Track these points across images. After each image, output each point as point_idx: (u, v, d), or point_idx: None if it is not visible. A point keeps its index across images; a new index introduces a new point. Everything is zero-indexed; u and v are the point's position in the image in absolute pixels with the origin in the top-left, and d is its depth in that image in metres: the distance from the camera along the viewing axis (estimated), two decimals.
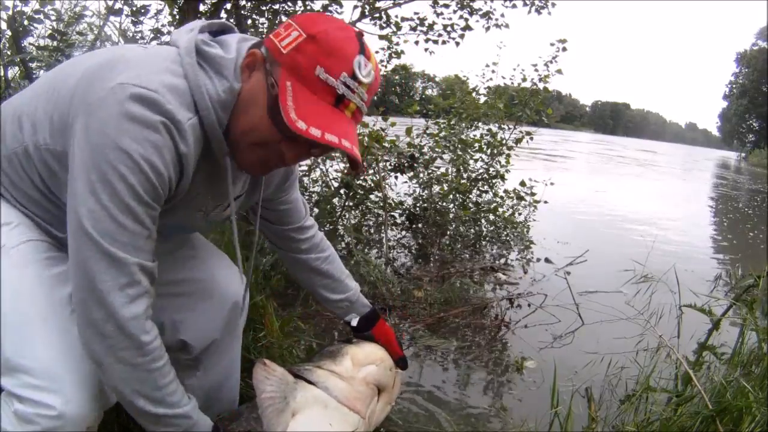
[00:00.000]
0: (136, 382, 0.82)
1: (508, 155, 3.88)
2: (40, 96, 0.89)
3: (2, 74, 2.20)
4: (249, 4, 3.49)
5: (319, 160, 3.32)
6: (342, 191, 3.12)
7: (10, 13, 2.09)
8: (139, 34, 3.08)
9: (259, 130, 0.86)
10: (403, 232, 3.88)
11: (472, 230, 3.91)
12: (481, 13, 3.91)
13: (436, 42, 3.90)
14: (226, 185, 0.94)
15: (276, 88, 0.82)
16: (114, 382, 0.82)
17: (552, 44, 3.74)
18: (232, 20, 3.47)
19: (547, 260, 3.87)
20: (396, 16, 3.79)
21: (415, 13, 3.84)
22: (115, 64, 0.83)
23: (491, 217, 3.92)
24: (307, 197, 3.34)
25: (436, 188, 3.70)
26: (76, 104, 0.81)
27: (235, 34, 0.94)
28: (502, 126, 3.91)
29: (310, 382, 1.12)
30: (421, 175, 3.63)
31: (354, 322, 1.36)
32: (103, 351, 0.80)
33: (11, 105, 0.95)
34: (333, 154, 3.45)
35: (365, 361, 1.25)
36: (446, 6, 3.82)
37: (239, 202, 1.08)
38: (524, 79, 3.85)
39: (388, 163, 3.33)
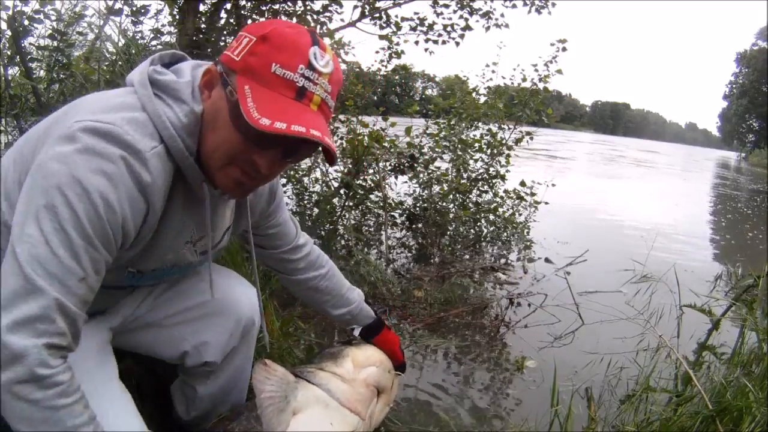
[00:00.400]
0: (38, 422, 0.71)
1: (508, 155, 3.88)
2: (12, 170, 0.87)
3: (2, 74, 2.20)
4: (249, 4, 3.48)
5: (319, 160, 3.32)
6: (342, 191, 3.12)
7: (10, 13, 2.09)
8: (139, 34, 3.08)
9: (227, 143, 0.83)
10: (403, 232, 3.88)
11: (472, 230, 3.91)
12: (481, 13, 3.91)
13: (436, 42, 3.90)
14: (203, 208, 0.92)
15: (235, 95, 0.79)
16: (16, 425, 0.71)
17: (552, 44, 3.74)
18: (232, 20, 3.47)
19: (547, 260, 3.87)
20: (396, 16, 3.79)
21: (415, 13, 3.84)
22: (69, 111, 0.83)
23: (491, 217, 3.93)
24: (307, 197, 3.34)
25: (436, 188, 3.70)
26: (35, 159, 0.79)
27: (189, 61, 0.93)
28: (502, 126, 3.91)
29: (312, 384, 1.13)
30: (421, 175, 3.63)
31: (356, 332, 1.37)
32: (7, 385, 0.70)
33: None
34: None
35: (366, 362, 1.25)
36: (446, 6, 3.82)
37: (228, 233, 1.08)
38: (524, 79, 3.85)
39: (388, 163, 3.33)
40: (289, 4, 3.46)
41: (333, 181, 3.38)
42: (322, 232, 2.86)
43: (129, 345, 1.17)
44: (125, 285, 1.01)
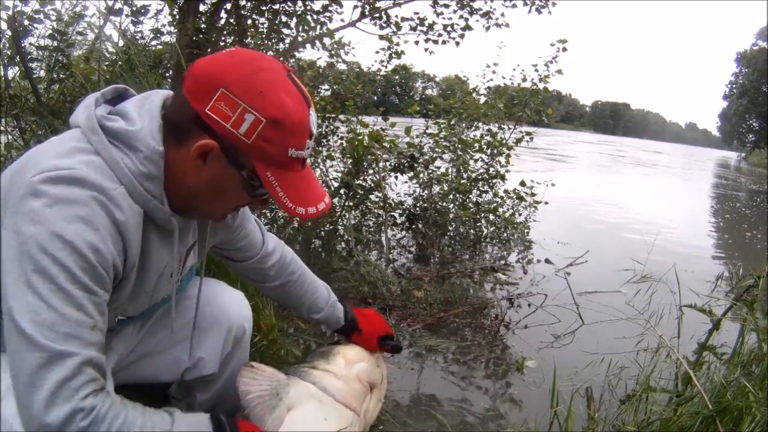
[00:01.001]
0: None
1: (508, 155, 3.88)
2: None
3: (2, 74, 2.20)
4: (249, 4, 3.48)
5: (319, 160, 3.32)
6: (342, 191, 3.12)
7: (10, 13, 2.09)
8: (139, 34, 3.08)
9: (236, 202, 0.91)
10: (403, 232, 3.88)
11: (472, 230, 3.91)
12: (481, 12, 3.91)
13: (436, 42, 3.90)
14: (172, 238, 0.93)
15: (258, 181, 0.84)
16: None
17: (552, 44, 3.75)
18: (231, 20, 3.47)
19: (547, 261, 3.87)
20: (396, 16, 3.79)
21: (415, 13, 3.84)
22: (23, 166, 0.79)
23: (491, 217, 3.93)
24: None
25: (436, 188, 3.70)
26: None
27: (131, 99, 0.89)
28: (502, 126, 3.91)
29: (305, 381, 1.13)
30: (421, 175, 3.63)
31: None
32: None
33: None
34: (333, 154, 3.46)
35: (356, 358, 1.27)
36: (446, 6, 3.82)
37: (194, 249, 1.08)
38: (524, 79, 3.85)
39: (388, 163, 3.33)
40: (289, 4, 3.46)
41: (333, 181, 3.38)
42: (322, 232, 2.86)
43: (129, 379, 1.16)
44: (115, 328, 1.02)
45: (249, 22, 3.52)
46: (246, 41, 3.41)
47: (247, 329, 1.27)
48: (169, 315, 1.09)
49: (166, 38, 3.15)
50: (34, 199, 0.73)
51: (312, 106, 0.85)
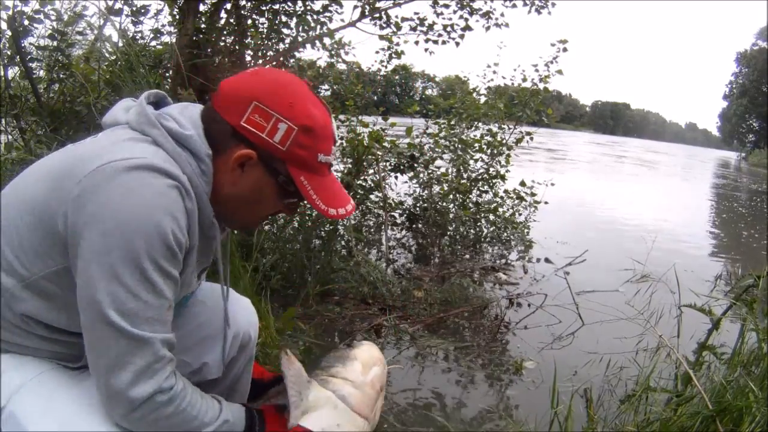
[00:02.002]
0: (178, 426, 0.85)
1: (508, 155, 3.88)
2: (3, 243, 0.82)
3: (2, 74, 2.20)
4: (249, 4, 3.48)
5: None
6: None
7: (10, 13, 2.09)
8: (139, 34, 3.08)
9: (270, 210, 0.96)
10: (403, 232, 3.88)
11: (472, 230, 3.91)
12: (481, 13, 3.90)
13: (436, 42, 3.90)
14: (213, 242, 0.97)
15: (293, 186, 0.89)
16: None
17: (552, 44, 3.74)
18: (231, 20, 3.47)
19: (547, 260, 3.87)
20: (396, 16, 3.78)
21: (415, 13, 3.83)
22: (79, 159, 0.79)
23: (491, 217, 3.93)
24: None
25: (436, 188, 3.70)
26: (57, 212, 0.77)
27: (173, 105, 0.94)
28: (502, 126, 3.91)
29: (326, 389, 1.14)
30: (421, 175, 3.63)
31: None
32: (142, 423, 0.81)
33: None
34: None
35: (370, 362, 1.27)
36: (446, 6, 3.82)
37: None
38: (524, 80, 3.85)
39: (388, 163, 3.33)
40: (289, 4, 3.46)
41: None
42: (322, 232, 2.86)
43: None
44: None
45: (249, 22, 3.51)
46: (246, 41, 3.41)
47: (252, 336, 1.28)
48: (180, 317, 1.10)
49: (166, 38, 3.15)
50: (113, 186, 0.75)
51: (332, 114, 0.93)
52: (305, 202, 0.92)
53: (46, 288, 0.82)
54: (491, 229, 3.97)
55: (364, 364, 1.25)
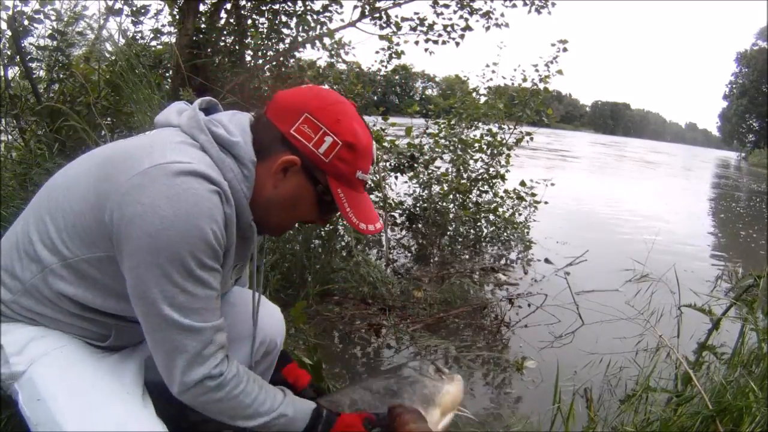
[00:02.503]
0: (229, 410, 0.93)
1: (508, 155, 3.88)
2: (38, 221, 0.90)
3: (2, 74, 2.20)
4: (249, 4, 3.48)
5: None
6: None
7: (10, 13, 2.09)
8: (139, 34, 3.08)
9: (306, 217, 1.01)
10: (403, 232, 3.88)
11: (472, 230, 3.91)
12: (481, 12, 3.91)
13: (436, 42, 3.90)
14: (249, 246, 1.02)
15: (330, 196, 0.95)
16: (218, 417, 0.94)
17: (553, 44, 3.74)
18: (231, 20, 3.47)
19: (547, 260, 3.87)
20: (396, 16, 3.79)
21: (415, 13, 3.84)
22: (129, 156, 0.85)
23: (491, 217, 3.92)
24: None
25: (436, 188, 3.70)
26: (104, 205, 0.83)
27: (222, 113, 0.99)
28: (502, 126, 3.91)
29: None
30: (421, 175, 3.63)
31: None
32: (194, 402, 0.91)
33: (16, 239, 0.94)
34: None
35: (450, 408, 1.23)
36: (446, 6, 3.82)
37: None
38: (524, 80, 3.85)
39: (388, 163, 3.33)
40: (289, 4, 3.46)
41: None
42: (323, 232, 2.86)
43: (158, 377, 1.18)
44: None
45: (249, 22, 3.52)
46: (246, 41, 3.41)
47: (278, 344, 1.29)
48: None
49: (166, 38, 3.15)
50: (158, 188, 0.80)
51: (373, 137, 1.00)
52: (338, 215, 0.97)
53: (86, 270, 0.89)
54: (491, 229, 3.97)
55: (446, 409, 1.20)
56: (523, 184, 3.99)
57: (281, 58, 3.50)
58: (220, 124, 0.93)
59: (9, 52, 2.19)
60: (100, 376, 0.93)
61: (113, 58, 2.35)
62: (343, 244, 2.97)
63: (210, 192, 0.83)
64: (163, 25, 3.20)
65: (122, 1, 2.61)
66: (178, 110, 0.97)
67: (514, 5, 3.98)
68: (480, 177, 3.89)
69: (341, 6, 3.57)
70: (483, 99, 4.05)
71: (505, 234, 3.96)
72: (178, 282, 0.82)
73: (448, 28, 3.87)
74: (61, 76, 2.35)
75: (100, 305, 0.92)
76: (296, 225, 1.08)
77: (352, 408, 1.17)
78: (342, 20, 3.66)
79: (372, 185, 3.30)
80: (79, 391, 0.88)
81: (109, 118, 2.26)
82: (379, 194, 3.32)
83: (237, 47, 3.46)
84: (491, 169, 3.89)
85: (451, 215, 3.71)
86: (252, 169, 0.93)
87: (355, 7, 3.70)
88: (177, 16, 3.19)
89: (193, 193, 0.81)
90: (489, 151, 3.87)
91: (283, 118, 0.92)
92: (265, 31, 3.47)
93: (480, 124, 3.93)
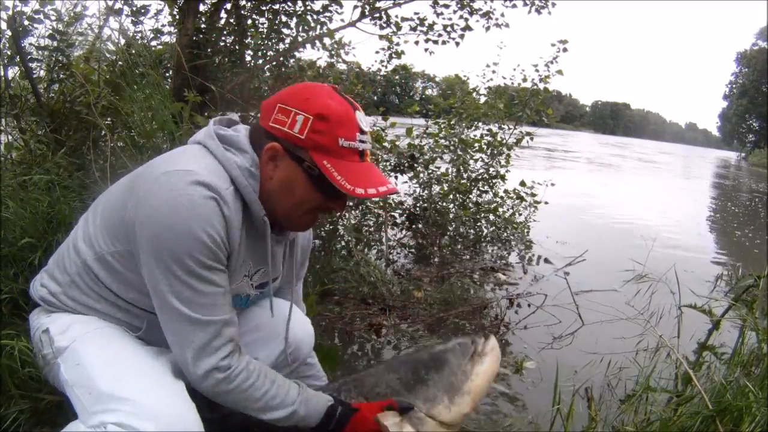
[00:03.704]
0: (241, 402, 0.99)
1: (508, 155, 3.88)
2: (85, 219, 1.06)
3: (2, 74, 2.20)
4: (249, 4, 3.48)
5: None
6: None
7: (10, 13, 2.08)
8: (139, 34, 3.08)
9: (308, 201, 1.01)
10: (403, 232, 3.88)
11: (472, 230, 3.91)
12: (481, 13, 3.91)
13: (436, 42, 3.90)
14: (263, 244, 1.06)
15: (317, 170, 0.96)
16: (230, 405, 1.00)
17: (553, 45, 3.74)
18: (231, 20, 3.47)
19: (546, 260, 3.87)
20: (396, 16, 3.79)
21: (415, 13, 3.84)
22: (152, 165, 0.98)
23: (491, 217, 3.92)
24: None
25: (436, 188, 3.70)
26: (126, 205, 0.94)
27: (240, 125, 1.08)
28: (502, 126, 3.91)
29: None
30: (421, 175, 3.62)
31: None
32: (210, 393, 0.97)
33: (70, 241, 1.08)
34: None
35: (478, 398, 1.22)
36: (446, 6, 3.82)
37: (282, 273, 1.19)
38: (524, 80, 3.85)
39: (388, 163, 3.33)
40: (289, 4, 3.46)
41: None
42: (323, 232, 2.86)
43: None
44: None
45: (249, 22, 3.52)
46: (246, 41, 3.41)
47: (301, 357, 1.29)
48: (239, 317, 1.13)
49: (166, 38, 3.14)
50: (163, 192, 0.89)
51: (359, 109, 1.00)
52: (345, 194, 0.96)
53: (112, 263, 0.99)
54: (491, 229, 3.97)
55: (476, 395, 1.19)
56: (523, 184, 3.99)
57: (281, 58, 3.50)
58: (227, 128, 1.03)
59: (9, 52, 2.18)
60: (137, 353, 1.00)
61: (113, 58, 2.34)
62: (342, 244, 2.97)
63: (205, 198, 0.90)
64: (163, 25, 3.20)
65: (122, 1, 2.61)
66: (206, 129, 1.05)
67: (514, 5, 3.98)
68: (480, 177, 3.89)
69: (341, 6, 3.56)
70: (483, 99, 4.05)
71: (505, 234, 3.96)
72: (183, 279, 0.90)
73: (448, 28, 3.86)
74: (61, 76, 2.34)
75: (124, 296, 1.01)
76: (317, 216, 1.07)
77: (373, 391, 1.17)
78: (342, 20, 3.66)
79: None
80: (115, 361, 0.96)
81: (109, 119, 2.25)
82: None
83: (237, 47, 3.45)
84: (491, 169, 3.89)
85: (451, 215, 3.71)
86: (255, 159, 0.99)
87: (355, 7, 3.70)
88: (177, 16, 3.19)
89: (189, 200, 0.89)
90: (489, 151, 3.87)
91: (265, 116, 1.00)
92: (265, 31, 3.47)
93: (480, 124, 3.93)
